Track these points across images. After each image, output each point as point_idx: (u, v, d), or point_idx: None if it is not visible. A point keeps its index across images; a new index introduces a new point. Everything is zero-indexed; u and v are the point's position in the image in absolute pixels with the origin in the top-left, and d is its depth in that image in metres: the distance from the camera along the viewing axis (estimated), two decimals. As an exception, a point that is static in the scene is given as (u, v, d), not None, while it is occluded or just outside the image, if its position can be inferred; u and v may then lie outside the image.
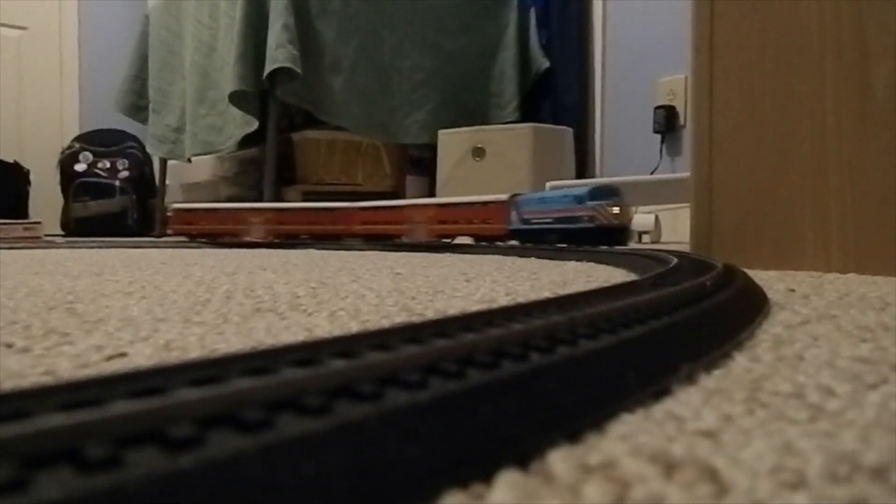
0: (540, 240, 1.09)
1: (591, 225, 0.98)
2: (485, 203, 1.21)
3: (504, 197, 1.17)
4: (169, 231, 1.64)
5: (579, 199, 1.00)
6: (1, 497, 0.11)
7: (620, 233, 0.99)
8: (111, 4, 3.22)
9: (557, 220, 1.04)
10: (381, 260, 0.98)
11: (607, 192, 1.00)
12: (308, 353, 0.19)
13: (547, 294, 0.51)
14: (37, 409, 0.13)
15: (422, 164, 2.21)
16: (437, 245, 1.25)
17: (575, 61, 2.14)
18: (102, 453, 0.12)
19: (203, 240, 1.52)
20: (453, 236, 1.27)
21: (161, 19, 2.41)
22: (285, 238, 1.44)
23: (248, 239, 1.46)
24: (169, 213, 1.62)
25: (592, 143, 2.14)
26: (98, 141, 2.69)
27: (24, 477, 0.11)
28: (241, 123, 1.95)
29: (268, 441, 0.14)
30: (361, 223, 1.39)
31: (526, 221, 1.12)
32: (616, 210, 0.98)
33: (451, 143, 1.88)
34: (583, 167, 2.06)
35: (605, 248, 0.94)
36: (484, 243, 1.20)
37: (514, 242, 1.16)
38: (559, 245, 1.04)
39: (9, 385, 0.25)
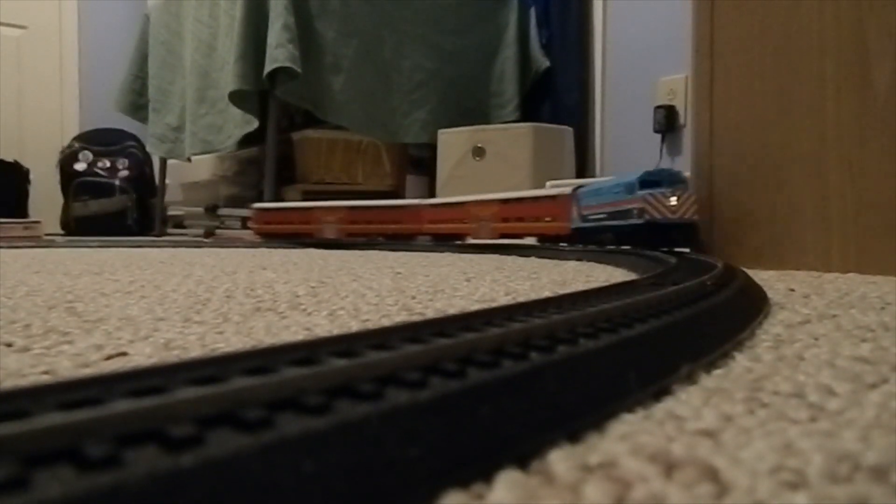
0: (596, 240, 0.91)
1: (639, 220, 0.77)
2: (549, 197, 1.05)
3: (567, 190, 1.00)
4: (251, 230, 1.61)
5: (629, 188, 0.79)
6: (1, 496, 0.11)
7: (680, 231, 0.77)
8: (111, 4, 3.22)
9: (610, 216, 0.85)
10: (382, 259, 0.98)
11: (665, 178, 0.78)
12: (308, 352, 0.19)
13: (547, 293, 0.51)
14: (37, 407, 0.13)
15: (422, 163, 2.21)
16: (435, 245, 1.25)
17: (575, 61, 2.14)
18: (102, 452, 0.12)
19: (283, 239, 1.48)
20: (517, 236, 1.14)
21: (161, 18, 2.41)
22: (358, 236, 1.40)
23: (325, 237, 1.42)
24: (250, 213, 1.58)
25: (592, 143, 2.14)
26: (98, 140, 2.69)
27: (25, 476, 0.11)
28: (241, 123, 1.95)
29: (268, 440, 0.14)
30: (429, 221, 1.32)
31: (584, 218, 0.93)
32: (673, 201, 0.75)
33: (451, 142, 1.88)
34: (583, 167, 2.06)
35: (607, 247, 0.88)
36: (548, 244, 1.06)
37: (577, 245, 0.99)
38: (561, 246, 1.02)
39: (8, 384, 0.25)
